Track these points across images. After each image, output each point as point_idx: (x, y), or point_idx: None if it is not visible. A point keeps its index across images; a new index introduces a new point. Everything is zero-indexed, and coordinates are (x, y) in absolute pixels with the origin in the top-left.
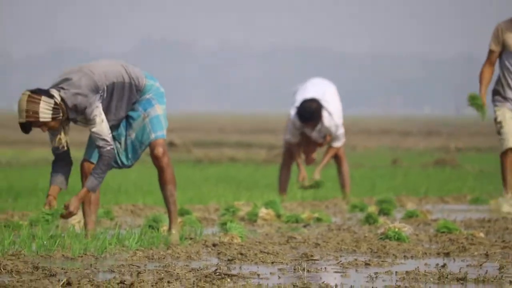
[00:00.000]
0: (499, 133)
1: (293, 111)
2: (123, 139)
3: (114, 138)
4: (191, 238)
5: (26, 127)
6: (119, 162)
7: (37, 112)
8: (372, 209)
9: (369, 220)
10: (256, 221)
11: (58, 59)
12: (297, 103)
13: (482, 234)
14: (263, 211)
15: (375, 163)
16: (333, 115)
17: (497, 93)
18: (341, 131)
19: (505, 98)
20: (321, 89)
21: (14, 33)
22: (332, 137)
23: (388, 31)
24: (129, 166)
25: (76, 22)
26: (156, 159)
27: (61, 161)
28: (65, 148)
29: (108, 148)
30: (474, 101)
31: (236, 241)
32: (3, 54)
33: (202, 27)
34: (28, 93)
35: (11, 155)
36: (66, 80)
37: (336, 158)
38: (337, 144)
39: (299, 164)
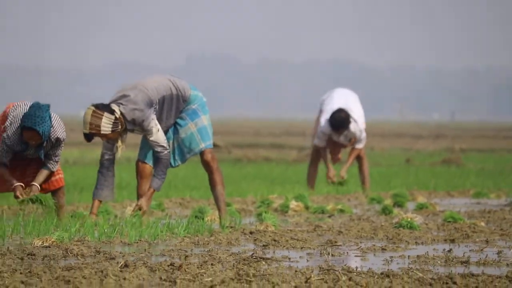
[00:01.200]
0: None
1: (323, 120)
2: (170, 142)
3: (175, 137)
4: (231, 227)
5: (89, 137)
6: (173, 160)
7: (99, 126)
8: (388, 201)
9: (385, 211)
10: (287, 212)
11: (116, 71)
12: (327, 113)
13: (483, 223)
14: (293, 203)
15: (390, 162)
16: (358, 122)
17: None
18: (363, 134)
19: None
20: (345, 99)
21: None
22: (356, 139)
23: (404, 47)
24: (175, 167)
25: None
26: (206, 165)
27: (107, 170)
28: (119, 155)
29: (165, 152)
30: None
31: (270, 229)
32: (75, 67)
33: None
34: (93, 108)
35: (77, 155)
36: (124, 96)
37: (358, 157)
38: (359, 145)
39: (327, 164)
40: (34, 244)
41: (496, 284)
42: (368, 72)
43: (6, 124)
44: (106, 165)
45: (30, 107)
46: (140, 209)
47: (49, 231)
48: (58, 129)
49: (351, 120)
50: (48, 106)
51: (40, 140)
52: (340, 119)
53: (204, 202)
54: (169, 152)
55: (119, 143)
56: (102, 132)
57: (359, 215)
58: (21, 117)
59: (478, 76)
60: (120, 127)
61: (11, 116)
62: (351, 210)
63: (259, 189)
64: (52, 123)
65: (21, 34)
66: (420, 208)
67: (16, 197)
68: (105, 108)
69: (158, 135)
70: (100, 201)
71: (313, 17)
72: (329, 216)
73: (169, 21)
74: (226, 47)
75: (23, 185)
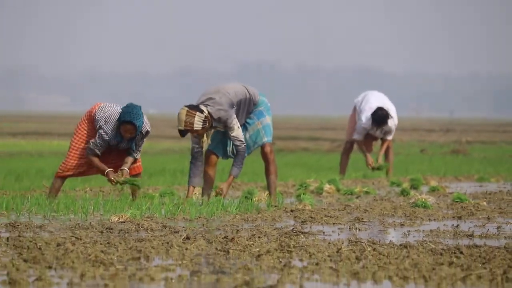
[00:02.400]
0: None
1: (364, 118)
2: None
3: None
4: (275, 206)
5: (183, 132)
6: (232, 154)
7: (192, 123)
8: (406, 185)
9: (404, 193)
10: (322, 193)
11: (184, 76)
12: (367, 111)
13: (485, 203)
14: (327, 186)
15: (408, 151)
16: (394, 118)
17: None
18: (394, 128)
19: None
20: (381, 99)
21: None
22: (388, 132)
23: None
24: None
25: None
26: (265, 156)
27: (197, 161)
28: (203, 148)
29: (243, 146)
30: None
31: (307, 208)
32: (141, 72)
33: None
34: (187, 108)
35: (147, 146)
36: (210, 99)
37: (387, 147)
38: (390, 137)
39: (365, 153)
40: (111, 220)
41: (496, 253)
42: (387, 77)
43: (100, 124)
44: (196, 157)
45: (127, 106)
46: (221, 193)
47: (124, 209)
48: (147, 124)
49: (390, 116)
50: (140, 106)
51: (135, 133)
52: (382, 116)
53: (252, 185)
54: (245, 145)
55: (205, 137)
56: (194, 128)
57: (382, 196)
58: (114, 116)
59: (480, 80)
60: (208, 124)
61: (104, 116)
62: (375, 191)
63: (298, 175)
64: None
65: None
66: (433, 190)
67: (110, 180)
68: (196, 108)
69: (238, 131)
70: (194, 187)
71: (341, 29)
72: (357, 197)
73: (223, 34)
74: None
75: (113, 170)
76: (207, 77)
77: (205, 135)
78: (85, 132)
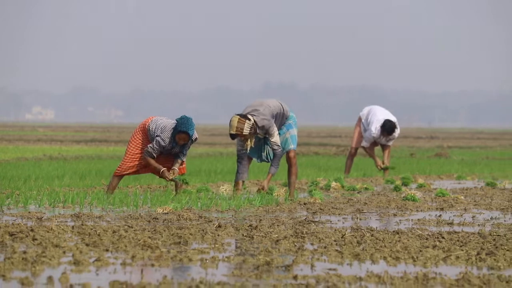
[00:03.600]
0: None
1: (373, 128)
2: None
3: (268, 144)
4: (291, 200)
5: (233, 136)
6: (266, 158)
7: (242, 129)
8: (398, 182)
9: (396, 189)
10: (329, 189)
11: (219, 94)
12: (375, 123)
13: (462, 197)
14: (333, 184)
15: (400, 155)
16: (398, 128)
17: None
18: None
19: None
20: (386, 112)
21: (187, 74)
22: (392, 140)
23: (412, 75)
24: (269, 161)
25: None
26: (289, 159)
27: (243, 160)
28: (247, 150)
29: (280, 150)
30: None
31: (317, 201)
32: (180, 90)
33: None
34: (238, 117)
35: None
36: (255, 110)
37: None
38: (391, 143)
39: (374, 157)
40: (157, 211)
41: (471, 238)
42: (385, 94)
43: (157, 133)
44: (242, 157)
45: (181, 118)
46: (262, 188)
47: (167, 202)
48: (196, 133)
49: (396, 126)
50: (191, 118)
51: (187, 140)
52: (391, 126)
53: (272, 183)
54: (282, 150)
55: (249, 141)
56: (243, 133)
57: (378, 192)
58: (169, 126)
59: (455, 96)
60: (253, 130)
61: (160, 127)
62: (373, 188)
63: (310, 174)
64: None
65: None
66: (420, 187)
67: (165, 177)
68: (245, 117)
69: (277, 138)
70: (243, 182)
71: (347, 52)
72: (358, 192)
73: (249, 58)
74: (287, 77)
75: (166, 169)
76: (235, 95)
77: (249, 140)
78: (139, 140)
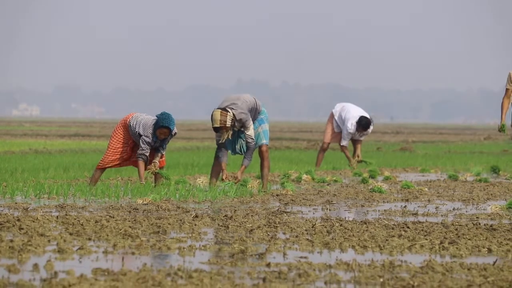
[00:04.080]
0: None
1: (349, 124)
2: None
3: (242, 137)
4: (264, 191)
5: (217, 129)
6: (239, 151)
7: (225, 121)
8: (366, 175)
9: (364, 181)
10: (300, 181)
11: (195, 92)
12: (351, 120)
13: (426, 189)
14: (304, 176)
15: (367, 149)
16: (372, 124)
17: None
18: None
19: None
20: (359, 109)
21: (165, 74)
22: (365, 135)
23: (375, 73)
24: (242, 154)
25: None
26: (261, 153)
27: (223, 148)
28: (224, 141)
29: (254, 143)
30: (503, 127)
31: (289, 193)
32: (158, 89)
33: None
34: (220, 110)
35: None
36: (234, 104)
37: (356, 145)
38: (363, 138)
39: (349, 157)
40: (137, 202)
41: (435, 228)
42: (349, 91)
43: (139, 132)
44: (221, 146)
45: (162, 114)
46: (235, 178)
47: (147, 194)
48: (175, 128)
49: (371, 122)
50: (171, 113)
51: (168, 135)
52: (367, 122)
53: (246, 175)
54: (255, 144)
55: (226, 134)
56: (226, 125)
57: (347, 184)
58: (150, 122)
59: (422, 94)
60: (233, 123)
61: (140, 123)
62: (342, 180)
63: (282, 167)
64: None
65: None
66: (386, 179)
67: (148, 169)
68: (225, 110)
69: (252, 131)
70: (226, 164)
71: (315, 55)
72: (328, 184)
73: (223, 57)
74: (259, 75)
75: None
76: (210, 92)
77: (228, 132)
78: (121, 135)
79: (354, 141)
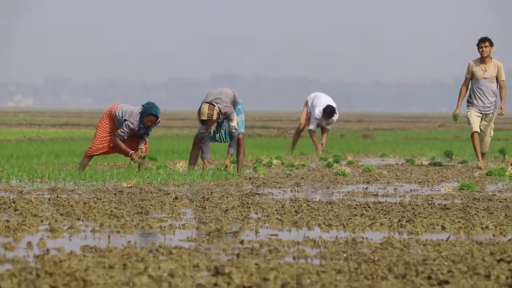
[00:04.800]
0: (468, 123)
1: (317, 111)
2: (226, 128)
3: (222, 127)
4: (238, 175)
5: (204, 122)
6: (219, 139)
7: (212, 115)
8: (330, 160)
9: (329, 165)
10: (271, 166)
11: (172, 84)
12: (319, 107)
13: (385, 172)
14: (275, 161)
15: (332, 136)
16: (337, 113)
17: (469, 102)
18: (335, 121)
19: (473, 104)
20: (328, 98)
21: (147, 66)
22: (331, 123)
23: (340, 66)
24: (225, 142)
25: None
26: (238, 141)
27: (206, 141)
28: (210, 132)
29: (237, 133)
30: (456, 116)
31: (261, 176)
32: (140, 80)
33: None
34: (208, 104)
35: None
36: (218, 98)
37: (324, 133)
38: (329, 127)
39: (316, 144)
40: (122, 186)
41: (393, 207)
42: (315, 83)
43: (125, 118)
44: (205, 138)
45: (148, 103)
46: (226, 166)
47: (131, 177)
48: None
49: (336, 112)
50: (155, 103)
51: (155, 121)
52: (332, 111)
53: (222, 161)
54: (238, 133)
55: (212, 126)
56: (213, 118)
57: (314, 168)
58: (136, 111)
59: (381, 85)
60: (218, 116)
61: (127, 112)
62: (309, 164)
63: (254, 153)
64: None
65: None
66: (349, 163)
67: (133, 158)
68: (212, 104)
69: (235, 122)
70: (208, 161)
71: (285, 47)
72: (296, 168)
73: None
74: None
75: (133, 152)
76: (188, 84)
77: (213, 125)
78: (107, 125)
79: (322, 129)
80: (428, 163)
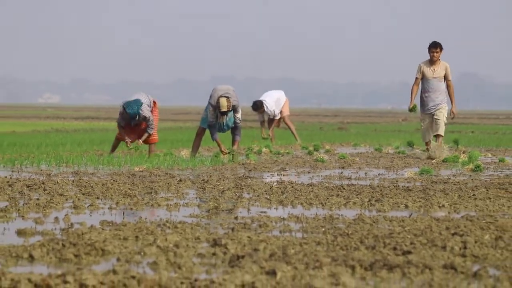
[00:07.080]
0: (420, 127)
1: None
2: (225, 119)
3: (224, 119)
4: (233, 161)
5: (224, 113)
6: (222, 128)
7: (230, 107)
8: (311, 148)
9: (310, 153)
10: (261, 153)
11: (179, 84)
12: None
13: (357, 159)
14: (264, 149)
15: (312, 128)
16: (266, 107)
17: (421, 102)
18: (277, 114)
19: (423, 106)
20: (269, 93)
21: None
22: (274, 116)
23: (321, 67)
24: (225, 132)
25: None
26: (233, 130)
27: (214, 127)
28: (216, 122)
29: (240, 123)
30: (414, 107)
31: (252, 162)
32: (149, 81)
33: (238, 68)
34: (226, 98)
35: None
36: (227, 93)
37: (288, 125)
38: (277, 118)
39: (262, 129)
40: (134, 170)
41: (364, 189)
42: (298, 83)
43: (120, 111)
44: (214, 125)
45: (125, 102)
46: (232, 151)
47: (142, 163)
48: (145, 110)
49: (263, 106)
50: (136, 100)
51: (135, 118)
52: (255, 105)
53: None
54: (241, 123)
55: (224, 116)
56: (230, 110)
57: (296, 155)
58: (121, 111)
59: (355, 86)
60: (231, 108)
61: (119, 112)
62: (293, 152)
63: (246, 142)
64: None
65: None
66: (327, 151)
67: (127, 145)
68: (228, 97)
69: (240, 114)
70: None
71: (271, 52)
72: (282, 156)
73: (202, 56)
74: (228, 71)
75: (130, 140)
76: (192, 84)
77: (223, 115)
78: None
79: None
80: (394, 152)
